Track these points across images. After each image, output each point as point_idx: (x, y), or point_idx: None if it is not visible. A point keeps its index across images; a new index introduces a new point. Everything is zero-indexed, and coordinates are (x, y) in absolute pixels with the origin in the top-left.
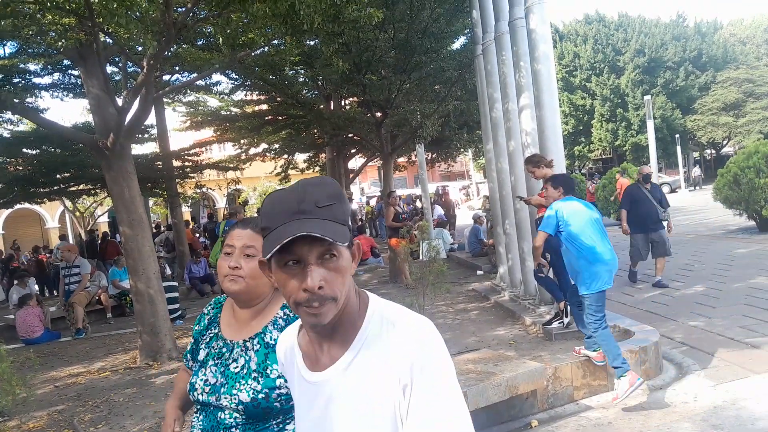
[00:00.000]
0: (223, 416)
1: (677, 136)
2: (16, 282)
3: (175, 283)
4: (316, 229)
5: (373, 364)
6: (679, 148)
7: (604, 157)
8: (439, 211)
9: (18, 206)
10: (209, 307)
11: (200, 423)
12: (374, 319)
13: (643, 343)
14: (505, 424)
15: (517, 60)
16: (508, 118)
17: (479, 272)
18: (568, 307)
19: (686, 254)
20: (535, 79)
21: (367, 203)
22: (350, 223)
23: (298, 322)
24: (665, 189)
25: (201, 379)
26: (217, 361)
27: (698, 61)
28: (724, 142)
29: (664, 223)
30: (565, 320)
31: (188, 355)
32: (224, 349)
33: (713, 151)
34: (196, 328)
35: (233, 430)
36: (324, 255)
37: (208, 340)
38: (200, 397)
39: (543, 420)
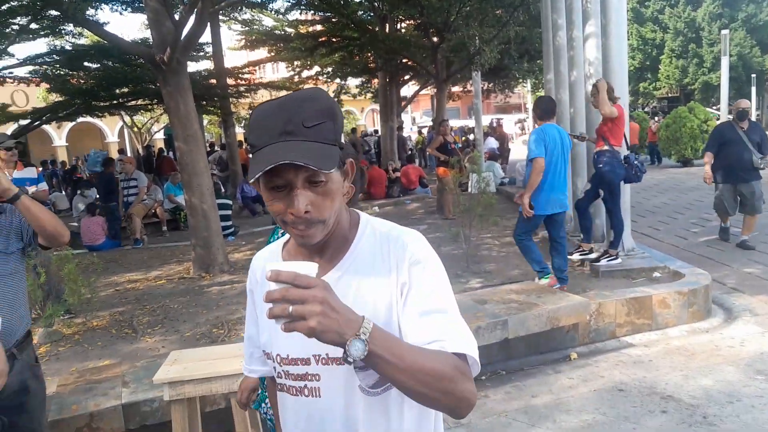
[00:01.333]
0: None
1: (754, 75)
2: (79, 192)
3: (229, 201)
4: (299, 156)
5: (367, 271)
6: (754, 89)
7: (670, 95)
8: (491, 143)
9: (80, 119)
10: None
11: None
12: (366, 233)
13: (692, 285)
14: (544, 355)
15: None
16: (572, 46)
17: None
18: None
19: None
20: (603, 5)
21: (419, 132)
22: (341, 141)
23: (283, 238)
24: None
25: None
26: None
27: None
28: None
29: (762, 173)
30: (609, 260)
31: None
32: (307, 238)
33: None
34: (271, 240)
35: None
36: (311, 179)
37: None
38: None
39: (582, 354)
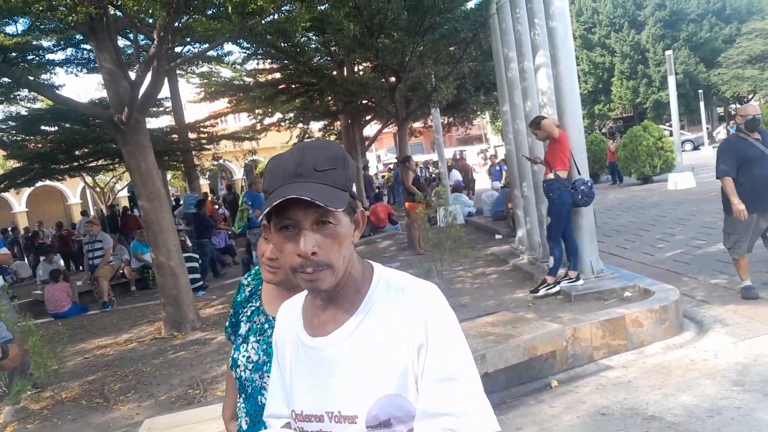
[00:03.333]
0: (263, 400)
1: (700, 91)
2: (42, 258)
3: (196, 255)
4: (308, 193)
5: (381, 327)
6: (702, 104)
7: (624, 115)
8: (456, 176)
9: (40, 183)
10: (249, 278)
11: (244, 407)
12: (380, 285)
13: (663, 302)
14: (525, 385)
15: (532, 17)
16: (524, 77)
17: (498, 236)
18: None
19: (709, 212)
20: (551, 36)
21: (388, 170)
22: (353, 190)
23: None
24: (687, 146)
25: (243, 356)
26: (259, 338)
27: (722, 14)
28: (750, 96)
29: None
30: (570, 282)
31: (229, 328)
32: (266, 325)
33: (738, 106)
34: (237, 299)
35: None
36: (320, 220)
37: (249, 313)
38: (243, 374)
39: (563, 380)
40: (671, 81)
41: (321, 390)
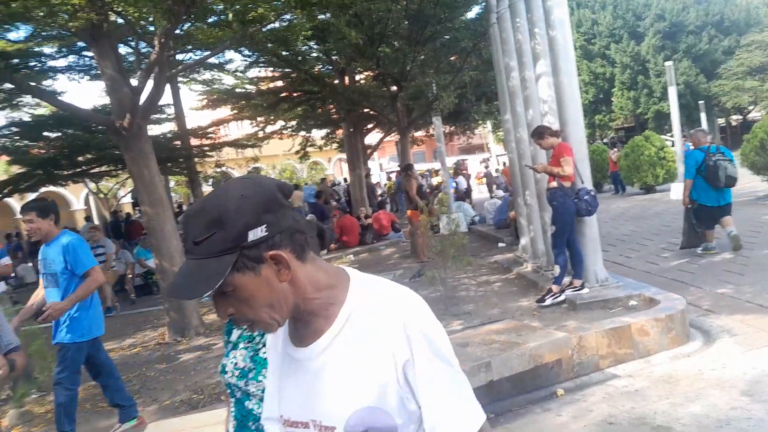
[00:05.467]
0: (251, 405)
1: (701, 102)
2: None
3: None
4: (175, 285)
5: (359, 338)
6: (703, 115)
7: (626, 125)
8: (462, 183)
9: (43, 189)
10: None
11: (233, 411)
12: (357, 294)
13: (669, 311)
14: (531, 394)
15: (532, 27)
16: (525, 86)
17: (501, 244)
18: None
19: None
20: (552, 45)
21: (389, 179)
22: (253, 237)
23: None
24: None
25: (231, 362)
26: (248, 345)
27: (721, 25)
28: (750, 107)
29: None
30: (574, 291)
31: (225, 335)
32: (255, 332)
33: (739, 117)
34: None
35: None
36: (220, 289)
37: None
38: (230, 379)
39: (569, 389)
40: (672, 92)
41: (305, 399)
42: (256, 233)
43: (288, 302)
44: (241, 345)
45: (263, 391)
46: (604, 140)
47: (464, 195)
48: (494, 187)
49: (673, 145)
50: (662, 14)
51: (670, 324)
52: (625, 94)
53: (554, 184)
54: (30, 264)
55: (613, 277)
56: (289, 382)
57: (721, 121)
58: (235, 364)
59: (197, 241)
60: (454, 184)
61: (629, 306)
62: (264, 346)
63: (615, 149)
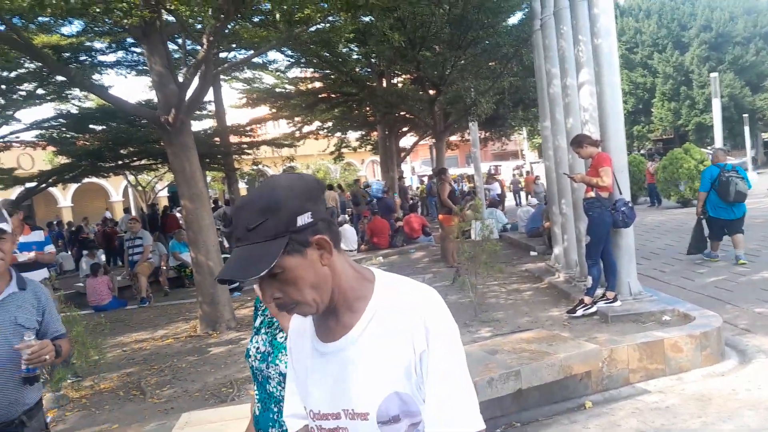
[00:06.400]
0: (271, 388)
1: (745, 115)
2: (86, 253)
3: None
4: (231, 267)
5: (385, 331)
6: (747, 129)
7: (664, 137)
8: (496, 189)
9: (85, 180)
10: None
11: (257, 394)
12: (383, 290)
13: (704, 328)
14: (559, 404)
15: (576, 34)
16: (567, 94)
17: (533, 253)
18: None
19: (755, 238)
20: (595, 54)
21: (421, 182)
22: (301, 223)
23: None
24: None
25: (254, 346)
26: (267, 330)
27: None
28: None
29: None
30: (607, 303)
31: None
32: (275, 318)
33: None
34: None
35: (282, 404)
36: (271, 273)
37: (263, 307)
38: (254, 363)
39: (597, 402)
40: (716, 104)
41: (336, 390)
42: (304, 219)
43: (328, 286)
44: (263, 330)
45: (280, 374)
46: (642, 151)
47: (497, 201)
48: (522, 195)
49: None
50: (708, 24)
51: (704, 341)
52: (665, 105)
53: (592, 194)
54: (69, 252)
55: (647, 290)
56: (317, 376)
57: (765, 135)
58: (257, 348)
59: (251, 227)
60: (490, 191)
61: (662, 321)
62: (280, 331)
63: (653, 161)
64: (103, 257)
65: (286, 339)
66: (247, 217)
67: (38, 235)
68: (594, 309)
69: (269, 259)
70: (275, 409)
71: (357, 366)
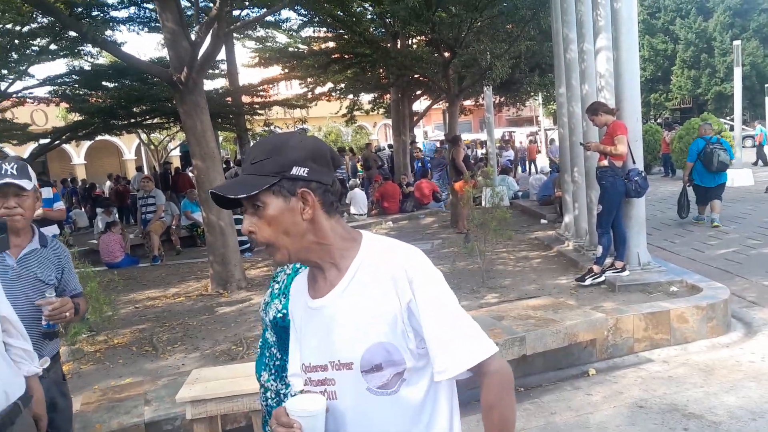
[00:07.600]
0: (267, 335)
1: (767, 85)
2: (101, 210)
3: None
4: (224, 185)
5: (369, 285)
6: (767, 99)
7: (682, 106)
8: (510, 155)
9: (99, 137)
10: None
11: (260, 341)
12: (368, 249)
13: (711, 299)
14: (562, 371)
15: None
16: (583, 59)
17: (543, 221)
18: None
19: (767, 212)
20: (614, 18)
21: (437, 150)
22: (297, 173)
23: None
24: (748, 143)
25: (264, 299)
26: (272, 282)
27: None
28: None
29: None
30: (614, 272)
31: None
32: (279, 270)
33: None
34: None
35: (272, 349)
36: (253, 204)
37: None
38: (261, 313)
39: (601, 369)
40: (737, 73)
41: (324, 343)
42: (298, 171)
43: (303, 239)
44: (272, 282)
45: (271, 321)
46: (658, 120)
47: (509, 168)
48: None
49: (732, 130)
50: None
51: (711, 313)
52: (685, 73)
53: (605, 162)
54: (83, 209)
55: (656, 261)
56: (308, 330)
57: None
58: (264, 299)
59: (254, 162)
60: (503, 157)
61: (670, 292)
62: (278, 282)
63: (671, 131)
64: (116, 215)
65: (278, 289)
66: (255, 153)
67: (47, 192)
68: (602, 278)
69: (253, 188)
70: (267, 354)
71: (342, 319)
